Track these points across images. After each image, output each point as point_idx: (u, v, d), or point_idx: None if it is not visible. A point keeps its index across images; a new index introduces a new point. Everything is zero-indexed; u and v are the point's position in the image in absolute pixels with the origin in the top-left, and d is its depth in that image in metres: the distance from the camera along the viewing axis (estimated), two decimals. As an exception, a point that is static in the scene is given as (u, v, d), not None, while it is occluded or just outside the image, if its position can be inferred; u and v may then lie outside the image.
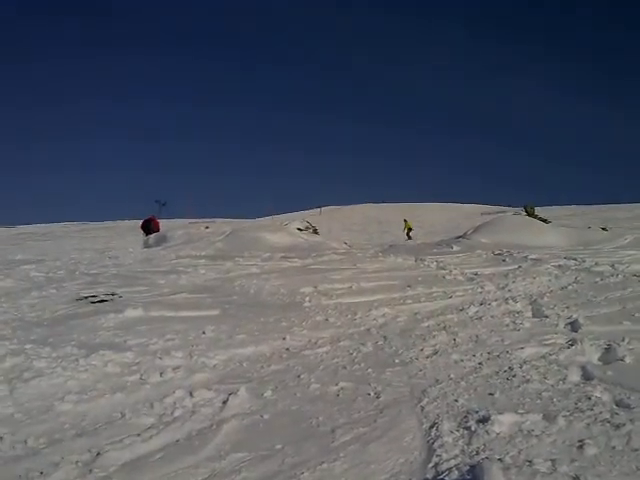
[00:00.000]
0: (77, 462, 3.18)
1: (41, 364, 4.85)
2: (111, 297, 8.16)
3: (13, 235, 42.26)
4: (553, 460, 2.69)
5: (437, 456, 2.96)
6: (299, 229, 21.82)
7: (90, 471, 3.07)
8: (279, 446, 3.30)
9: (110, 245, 25.73)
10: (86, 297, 8.14)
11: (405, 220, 35.50)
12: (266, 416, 3.79)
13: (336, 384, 4.32)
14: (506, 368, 4.33)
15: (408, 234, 32.94)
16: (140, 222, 24.73)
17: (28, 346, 5.37)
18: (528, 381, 3.98)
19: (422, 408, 3.69)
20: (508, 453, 2.85)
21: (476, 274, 9.18)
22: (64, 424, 3.76)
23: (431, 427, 3.36)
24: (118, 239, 32.45)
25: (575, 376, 4.01)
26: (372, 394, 4.06)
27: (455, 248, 14.10)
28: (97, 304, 7.69)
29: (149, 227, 23.19)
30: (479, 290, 7.81)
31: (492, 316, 6.19)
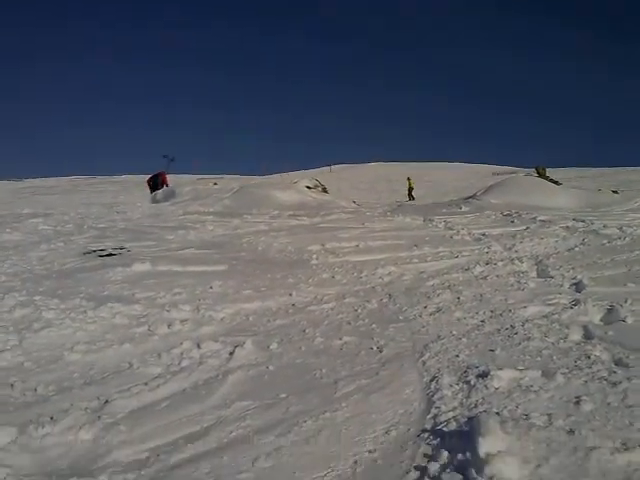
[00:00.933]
0: (86, 409, 3.28)
1: (50, 315, 4.96)
2: (119, 251, 8.24)
3: (20, 189, 42.31)
4: (549, 415, 2.74)
5: (436, 408, 3.03)
6: (308, 187, 21.72)
7: (98, 417, 3.16)
8: (283, 396, 3.39)
9: (118, 200, 25.70)
10: (94, 251, 8.23)
11: (408, 178, 33.07)
12: (271, 367, 3.88)
13: (340, 338, 4.39)
14: (508, 326, 4.37)
15: (410, 194, 30.95)
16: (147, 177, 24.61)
17: (37, 298, 5.49)
18: (529, 339, 4.01)
19: (423, 362, 3.75)
20: (506, 407, 2.90)
21: (484, 235, 9.16)
22: (73, 373, 3.87)
23: (431, 380, 3.42)
24: (126, 194, 32.40)
25: (576, 335, 4.04)
26: (375, 348, 4.13)
27: (464, 208, 14.05)
28: (105, 258, 7.78)
29: (156, 182, 23.10)
30: (486, 250, 7.81)
31: (497, 276, 6.21)
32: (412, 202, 25.10)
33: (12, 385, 3.63)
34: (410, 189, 31.31)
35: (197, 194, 21.20)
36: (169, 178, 23.45)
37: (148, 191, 23.19)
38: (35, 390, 3.57)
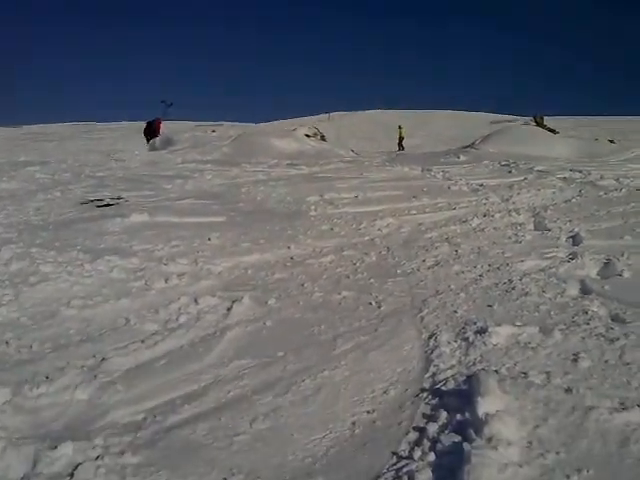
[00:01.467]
0: (82, 367, 3.25)
1: (47, 268, 4.88)
2: (117, 201, 8.18)
3: (18, 135, 41.79)
4: (547, 372, 2.75)
5: (434, 366, 3.04)
6: (307, 135, 21.46)
7: (95, 376, 3.14)
8: (281, 353, 3.39)
9: (116, 147, 25.40)
10: (92, 200, 8.16)
11: (399, 127, 31.17)
12: (269, 323, 3.88)
13: (339, 293, 4.39)
14: (505, 280, 4.37)
15: (400, 143, 29.44)
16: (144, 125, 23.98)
17: (34, 250, 5.39)
18: (527, 294, 4.01)
19: (422, 318, 3.76)
20: (504, 365, 2.91)
21: (481, 185, 9.11)
22: (69, 329, 3.82)
23: (430, 337, 3.43)
24: (124, 141, 31.99)
25: (573, 290, 4.04)
26: (374, 303, 4.13)
27: (462, 158, 13.91)
28: (103, 208, 7.71)
29: (151, 130, 22.57)
30: (483, 202, 7.77)
31: (495, 228, 6.19)
32: (402, 152, 23.98)
33: (7, 342, 3.57)
34: (401, 138, 29.96)
35: (195, 142, 20.98)
36: (164, 125, 22.82)
37: (145, 140, 22.73)
38: (31, 347, 3.52)
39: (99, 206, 7.85)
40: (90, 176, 10.72)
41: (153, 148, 20.94)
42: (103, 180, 10.24)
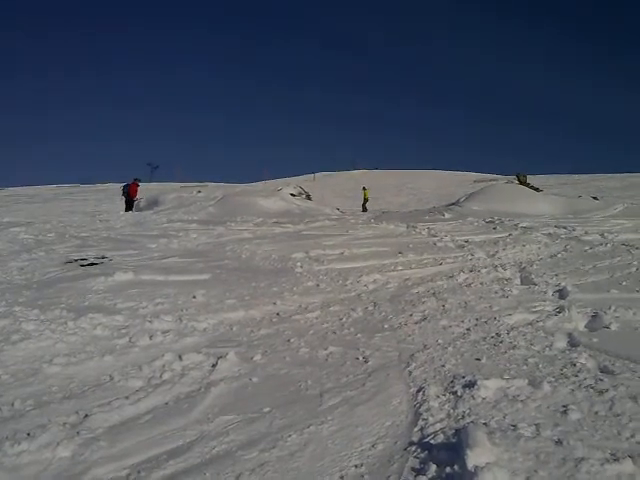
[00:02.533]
0: (64, 424, 3.18)
1: (29, 326, 4.83)
2: (101, 260, 8.14)
3: (2, 197, 41.79)
4: (537, 425, 2.72)
5: (423, 420, 2.99)
6: (292, 195, 21.74)
7: (77, 433, 3.06)
8: (267, 409, 3.32)
9: (101, 208, 25.53)
10: (76, 260, 8.12)
11: (364, 188, 30.46)
12: (255, 379, 3.81)
13: (325, 348, 4.34)
14: (493, 334, 4.37)
15: (364, 205, 28.37)
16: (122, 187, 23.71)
17: (17, 308, 5.36)
18: (515, 347, 4.01)
19: (410, 373, 3.72)
20: (493, 417, 2.88)
21: (467, 241, 9.21)
22: (52, 386, 3.76)
23: (418, 391, 3.39)
24: (109, 202, 32.13)
25: (561, 343, 4.04)
26: (361, 358, 4.08)
27: (447, 215, 14.14)
28: (87, 267, 7.67)
29: (126, 192, 22.36)
30: (469, 257, 7.84)
31: (481, 283, 6.22)
32: (367, 213, 22.68)
33: None
34: (365, 200, 29.07)
35: (181, 202, 21.12)
36: (139, 188, 22.60)
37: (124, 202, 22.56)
38: (12, 405, 3.45)
39: (83, 265, 7.81)
40: (74, 236, 10.71)
41: (138, 209, 21.05)
42: (87, 240, 10.23)
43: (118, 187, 25.32)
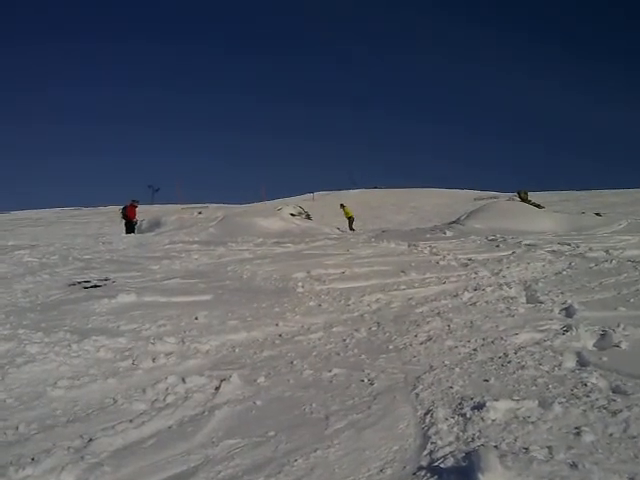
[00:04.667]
0: (69, 448, 3.15)
1: (33, 349, 4.83)
2: (104, 282, 8.12)
3: (6, 221, 41.93)
4: (550, 447, 2.66)
5: (432, 443, 2.93)
6: (292, 214, 21.79)
7: (82, 457, 3.03)
8: (272, 433, 3.27)
9: (103, 230, 25.59)
10: (79, 282, 8.10)
11: (342, 206, 28.51)
12: (259, 402, 3.76)
13: (329, 370, 4.28)
14: (501, 354, 4.31)
15: (350, 225, 26.48)
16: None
17: (21, 331, 5.36)
18: (523, 367, 3.95)
19: (416, 395, 3.66)
20: (504, 440, 2.83)
21: (470, 260, 9.15)
22: (56, 410, 3.73)
23: (426, 414, 3.33)
24: (111, 224, 32.22)
25: (570, 362, 3.99)
26: (366, 380, 4.03)
27: (448, 234, 14.09)
28: (90, 289, 7.65)
29: (125, 215, 22.38)
30: (473, 276, 7.79)
31: (486, 302, 6.17)
32: (355, 232, 21.58)
33: None
34: (349, 218, 26.96)
35: (182, 223, 21.18)
36: (137, 210, 22.53)
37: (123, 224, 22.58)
38: (17, 429, 3.43)
39: (86, 287, 7.79)
40: (77, 259, 10.68)
41: (140, 231, 21.09)
42: (90, 262, 10.21)
43: (118, 210, 25.35)
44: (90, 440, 3.24)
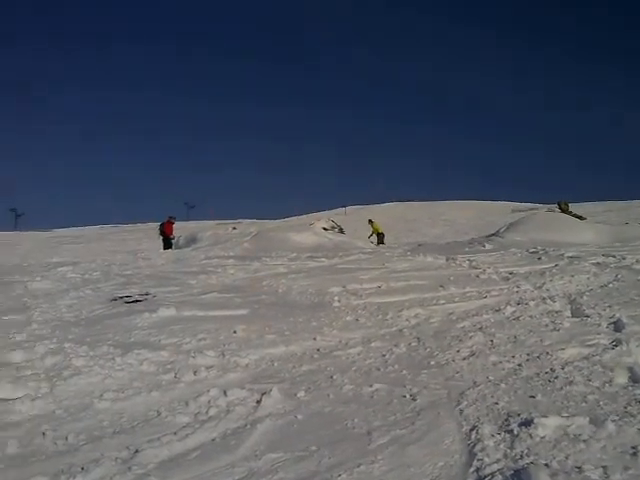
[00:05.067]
0: (116, 459, 3.21)
1: (79, 362, 4.97)
2: (145, 297, 8.26)
3: (49, 238, 43.14)
4: (604, 467, 2.57)
5: (478, 460, 2.87)
6: (325, 229, 21.80)
7: (129, 468, 3.08)
8: (314, 447, 3.25)
9: (142, 247, 26.04)
10: (121, 297, 8.27)
11: (370, 221, 27.56)
12: (300, 417, 3.75)
13: (370, 385, 4.24)
14: (547, 370, 4.21)
15: (379, 239, 25.53)
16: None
17: (67, 345, 5.53)
18: (571, 383, 3.85)
19: (461, 411, 3.60)
20: (555, 458, 2.75)
21: (511, 273, 8.97)
22: (103, 421, 3.82)
23: (471, 430, 3.27)
24: (149, 241, 32.80)
25: (622, 378, 3.86)
26: (408, 396, 3.97)
27: (488, 246, 13.84)
28: (132, 304, 7.80)
29: (162, 231, 22.88)
30: (515, 289, 7.63)
31: (530, 316, 6.03)
32: (389, 246, 20.42)
33: (44, 434, 3.61)
34: (379, 234, 25.95)
35: (217, 239, 21.42)
36: (174, 226, 23.02)
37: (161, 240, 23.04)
38: (66, 439, 3.53)
39: (128, 302, 7.94)
40: (118, 274, 10.89)
41: (177, 246, 21.42)
42: (131, 278, 10.39)
43: (156, 226, 25.89)
44: (136, 451, 3.29)
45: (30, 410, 4.01)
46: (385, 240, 26.14)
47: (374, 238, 25.97)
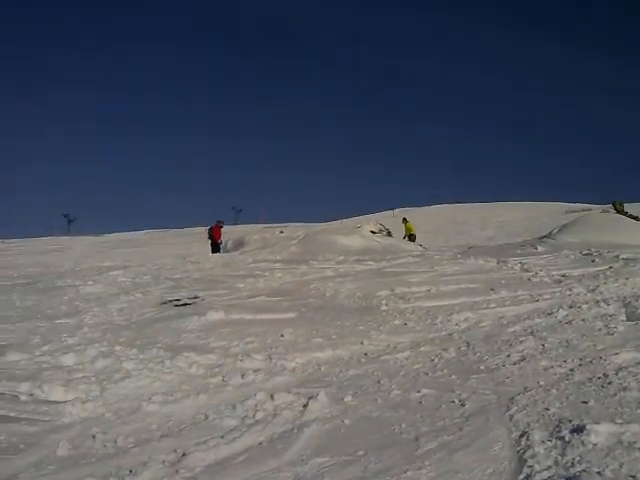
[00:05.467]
0: (164, 462, 3.26)
1: (129, 365, 5.09)
2: (194, 300, 8.42)
3: (100, 243, 44.30)
4: (662, 476, 2.47)
5: (528, 467, 2.80)
6: (372, 232, 21.64)
7: (176, 471, 3.13)
8: (361, 452, 3.24)
9: (190, 251, 26.43)
10: (170, 301, 8.44)
11: (405, 220, 27.47)
12: (347, 421, 3.74)
13: (418, 391, 4.21)
14: (600, 375, 4.09)
15: (410, 240, 24.96)
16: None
17: (117, 348, 5.66)
18: (625, 389, 3.72)
19: (511, 417, 3.52)
20: (608, 466, 2.66)
21: (564, 276, 8.74)
22: (151, 424, 3.90)
23: (521, 436, 3.20)
24: (198, 245, 33.32)
25: (681, 385, 3.71)
26: (457, 401, 3.92)
27: (540, 249, 13.48)
28: (181, 307, 7.96)
29: (211, 235, 23.49)
30: (568, 293, 7.43)
31: (583, 320, 5.88)
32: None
33: (94, 436, 3.69)
34: (410, 235, 25.69)
35: (265, 242, 21.55)
36: (222, 231, 23.60)
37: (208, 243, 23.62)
38: (115, 442, 3.61)
39: (177, 305, 8.11)
40: (168, 278, 11.12)
41: (226, 250, 21.72)
42: (180, 281, 10.60)
43: (205, 230, 26.44)
44: (184, 454, 3.34)
45: (81, 413, 4.12)
46: (422, 243, 25.82)
47: (410, 239, 25.58)
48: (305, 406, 4.02)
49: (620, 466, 2.65)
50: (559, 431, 3.16)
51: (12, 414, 4.10)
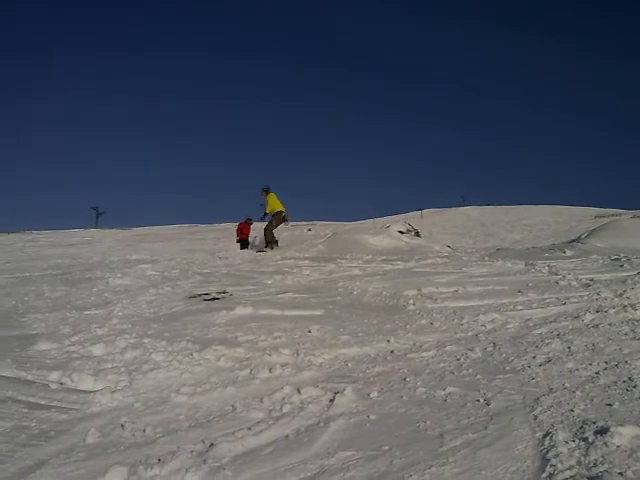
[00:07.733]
0: (192, 452, 3.35)
1: (158, 357, 5.21)
2: (222, 295, 8.54)
3: (129, 237, 44.93)
4: (683, 478, 2.49)
5: (551, 466, 2.83)
6: (400, 232, 21.59)
7: (204, 461, 3.21)
8: (386, 447, 3.30)
9: (219, 246, 26.70)
10: (199, 295, 8.58)
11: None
12: (373, 417, 3.80)
13: (443, 389, 4.24)
14: (625, 378, 4.07)
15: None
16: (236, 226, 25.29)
17: (146, 340, 5.79)
18: (652, 393, 3.71)
19: (535, 417, 3.54)
20: (630, 467, 2.67)
21: (592, 280, 8.65)
22: (179, 415, 3.99)
23: (545, 436, 3.22)
24: (226, 241, 33.58)
25: None
26: (482, 400, 3.95)
27: (568, 253, 13.35)
28: (209, 301, 8.08)
29: (240, 231, 23.96)
30: (595, 297, 7.36)
31: (609, 324, 5.83)
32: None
33: (123, 425, 3.79)
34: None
35: (292, 240, 21.72)
36: (251, 227, 24.16)
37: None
38: (144, 431, 3.70)
39: (206, 300, 8.24)
40: (197, 272, 11.27)
41: (254, 247, 21.96)
42: (209, 276, 10.74)
43: (233, 226, 26.82)
44: (211, 445, 3.42)
45: (110, 402, 4.22)
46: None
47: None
48: (331, 401, 4.09)
49: (643, 468, 2.67)
50: (583, 432, 3.17)
51: (42, 402, 4.21)
